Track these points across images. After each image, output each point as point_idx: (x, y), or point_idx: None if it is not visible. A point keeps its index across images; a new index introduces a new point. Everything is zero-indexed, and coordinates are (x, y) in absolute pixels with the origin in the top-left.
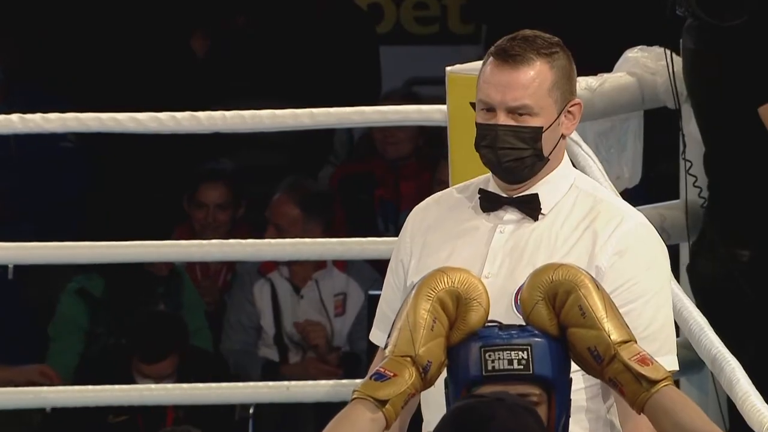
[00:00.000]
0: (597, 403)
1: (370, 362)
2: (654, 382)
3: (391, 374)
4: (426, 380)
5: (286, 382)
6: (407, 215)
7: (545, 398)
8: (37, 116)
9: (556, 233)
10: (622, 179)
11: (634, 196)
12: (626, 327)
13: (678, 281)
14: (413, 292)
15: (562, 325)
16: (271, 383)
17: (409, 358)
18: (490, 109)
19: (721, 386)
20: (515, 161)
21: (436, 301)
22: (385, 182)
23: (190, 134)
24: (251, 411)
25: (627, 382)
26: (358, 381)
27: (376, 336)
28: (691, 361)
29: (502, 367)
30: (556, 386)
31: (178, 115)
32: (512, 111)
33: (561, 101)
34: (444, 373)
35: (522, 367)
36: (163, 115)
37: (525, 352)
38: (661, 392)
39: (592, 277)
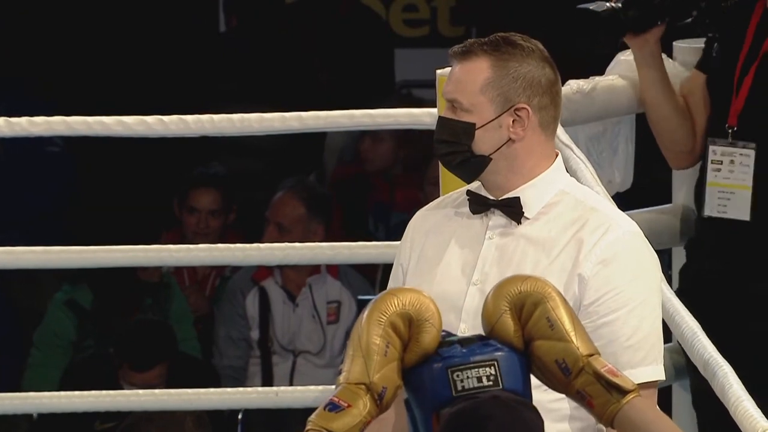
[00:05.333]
0: (584, 411)
1: None
2: (625, 393)
3: (345, 404)
4: (381, 406)
5: (275, 388)
6: (399, 216)
7: None
8: (23, 120)
9: (543, 240)
10: (613, 183)
11: (626, 200)
12: (591, 341)
13: (670, 285)
14: (363, 316)
15: (527, 337)
16: (260, 388)
17: (363, 386)
18: None
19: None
20: (447, 155)
21: (387, 325)
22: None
23: (181, 138)
24: (240, 417)
25: (597, 393)
26: None
27: None
28: (683, 367)
29: (472, 386)
30: (525, 398)
31: (166, 118)
32: (450, 104)
33: (501, 102)
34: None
35: (491, 383)
36: (151, 119)
37: (492, 368)
38: (631, 404)
39: (557, 290)
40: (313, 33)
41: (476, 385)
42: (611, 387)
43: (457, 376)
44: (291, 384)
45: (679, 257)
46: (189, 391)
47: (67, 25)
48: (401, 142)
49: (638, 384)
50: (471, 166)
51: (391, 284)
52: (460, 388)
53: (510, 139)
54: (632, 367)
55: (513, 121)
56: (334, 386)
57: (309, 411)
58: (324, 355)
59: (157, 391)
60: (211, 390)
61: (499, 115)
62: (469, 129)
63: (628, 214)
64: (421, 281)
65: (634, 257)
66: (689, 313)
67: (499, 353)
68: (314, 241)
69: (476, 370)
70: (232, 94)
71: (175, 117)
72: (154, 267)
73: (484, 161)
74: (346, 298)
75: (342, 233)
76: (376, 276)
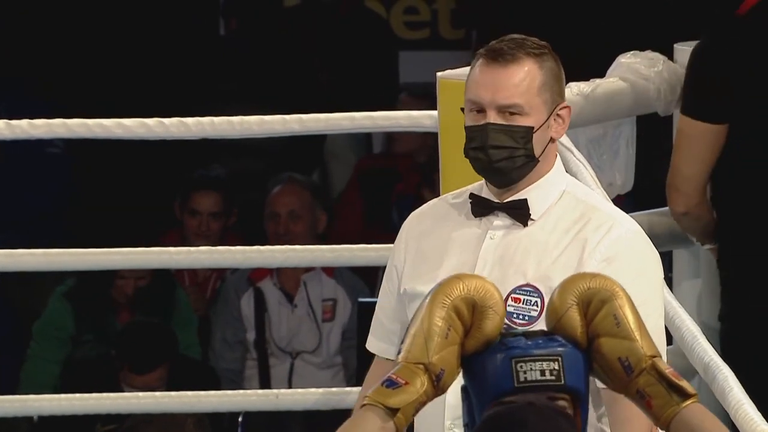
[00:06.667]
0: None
1: (364, 371)
2: (686, 396)
3: (403, 382)
4: (438, 388)
5: (275, 390)
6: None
7: (572, 409)
8: (24, 122)
9: (545, 239)
10: (614, 186)
11: (627, 202)
12: (654, 343)
13: (671, 288)
14: (428, 298)
15: (592, 334)
16: (260, 391)
17: (422, 366)
18: (480, 110)
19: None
20: (506, 161)
21: (451, 309)
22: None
23: (182, 140)
24: (240, 419)
25: (657, 394)
26: (347, 389)
27: (372, 343)
28: (683, 370)
29: (534, 378)
30: (583, 397)
31: (166, 120)
32: (502, 110)
33: (550, 103)
34: (458, 381)
35: (554, 377)
36: (151, 121)
37: (556, 363)
38: (690, 408)
39: (624, 289)
40: (314, 34)
41: (539, 377)
42: (673, 389)
43: (521, 367)
44: (289, 386)
45: (679, 259)
46: (189, 393)
47: (67, 25)
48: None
49: None
50: (526, 169)
51: (384, 285)
52: (522, 379)
53: (551, 139)
54: None
55: (554, 121)
56: (334, 389)
57: (309, 413)
58: (320, 353)
59: (157, 393)
60: (211, 392)
61: (549, 117)
62: (528, 133)
63: (631, 216)
64: (418, 282)
65: (638, 255)
66: (689, 316)
67: (563, 349)
68: (320, 228)
69: (540, 363)
70: (232, 95)
71: (175, 119)
72: (133, 279)
73: (534, 163)
74: (341, 295)
75: (364, 226)
76: (374, 276)
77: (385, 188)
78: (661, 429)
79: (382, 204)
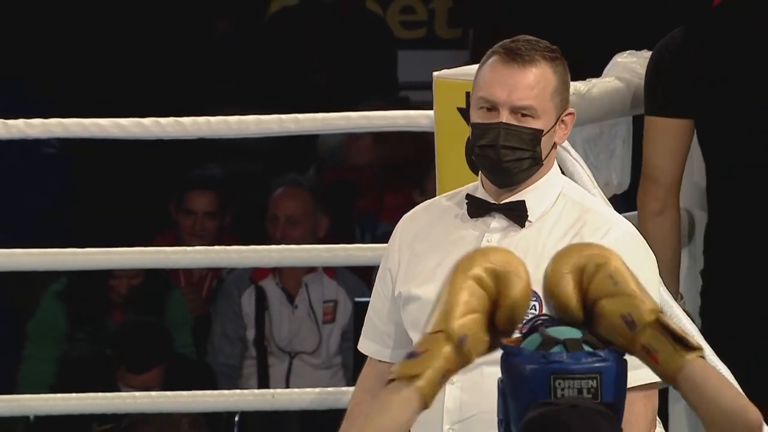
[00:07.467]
0: None
1: (359, 371)
2: (691, 348)
3: (422, 350)
4: (462, 355)
5: (271, 390)
6: (386, 227)
7: None
8: (20, 122)
9: (543, 242)
10: (610, 185)
11: (621, 202)
12: (655, 300)
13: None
14: (448, 275)
15: (592, 298)
16: (256, 390)
17: (440, 333)
18: (492, 108)
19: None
20: (514, 162)
21: (471, 278)
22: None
23: (179, 140)
24: (236, 419)
25: (662, 348)
26: (344, 389)
27: (365, 345)
28: None
29: (571, 395)
30: (618, 410)
31: (163, 120)
32: (515, 111)
33: (560, 108)
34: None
35: (591, 395)
36: (147, 121)
37: (595, 381)
38: (696, 362)
39: (620, 257)
40: (313, 34)
41: (576, 395)
42: (678, 342)
43: (559, 383)
44: (287, 385)
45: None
46: (185, 393)
47: (67, 26)
48: (380, 138)
49: (640, 385)
50: (531, 171)
51: (377, 288)
52: (559, 395)
53: (554, 143)
54: (634, 368)
55: (558, 126)
56: (330, 389)
57: (305, 413)
58: (320, 354)
59: (153, 393)
60: (208, 392)
61: (556, 122)
62: (538, 136)
63: (625, 216)
64: (413, 284)
65: (635, 258)
66: (686, 316)
67: (603, 364)
68: (321, 234)
69: (579, 381)
70: (231, 95)
71: (171, 119)
72: (126, 278)
73: (538, 166)
74: (342, 297)
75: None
76: (371, 276)
77: (346, 202)
78: (669, 384)
79: (345, 218)
